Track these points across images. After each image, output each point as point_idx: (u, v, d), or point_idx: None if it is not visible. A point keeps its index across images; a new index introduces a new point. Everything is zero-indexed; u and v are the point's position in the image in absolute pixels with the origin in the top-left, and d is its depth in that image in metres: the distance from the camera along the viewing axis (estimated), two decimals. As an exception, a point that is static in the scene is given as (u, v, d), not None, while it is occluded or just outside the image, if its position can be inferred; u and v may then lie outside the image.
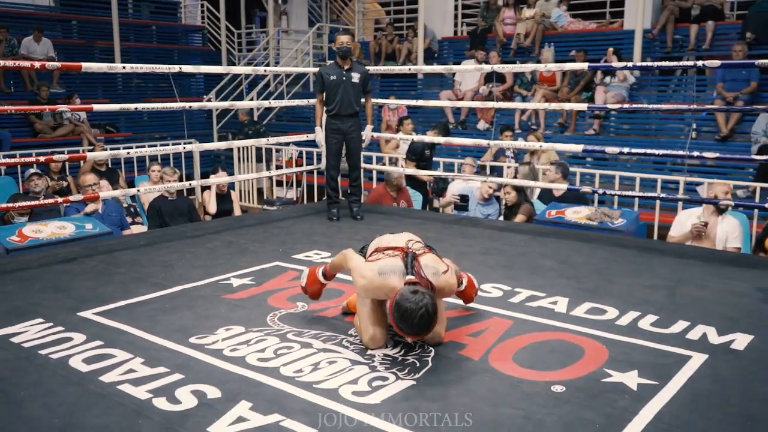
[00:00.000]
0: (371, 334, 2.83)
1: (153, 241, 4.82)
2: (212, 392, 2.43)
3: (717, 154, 4.85)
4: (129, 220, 6.16)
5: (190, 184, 5.77)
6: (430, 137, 7.26)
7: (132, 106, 5.18)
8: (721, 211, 4.99)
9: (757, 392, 2.50)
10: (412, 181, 7.11)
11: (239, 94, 12.91)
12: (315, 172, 7.27)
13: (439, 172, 7.30)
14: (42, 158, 4.80)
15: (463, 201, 6.42)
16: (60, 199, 4.78)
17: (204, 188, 6.45)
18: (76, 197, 4.92)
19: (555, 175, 6.26)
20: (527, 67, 7.94)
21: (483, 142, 6.53)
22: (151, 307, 3.35)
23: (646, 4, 9.88)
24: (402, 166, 7.52)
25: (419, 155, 7.37)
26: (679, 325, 3.14)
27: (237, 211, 6.65)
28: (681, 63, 5.65)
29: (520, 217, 5.96)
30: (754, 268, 4.22)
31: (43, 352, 2.79)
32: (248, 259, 4.30)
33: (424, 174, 6.88)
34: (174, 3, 16.31)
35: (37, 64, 4.56)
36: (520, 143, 7.35)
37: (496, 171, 7.76)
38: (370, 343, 2.83)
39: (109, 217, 5.66)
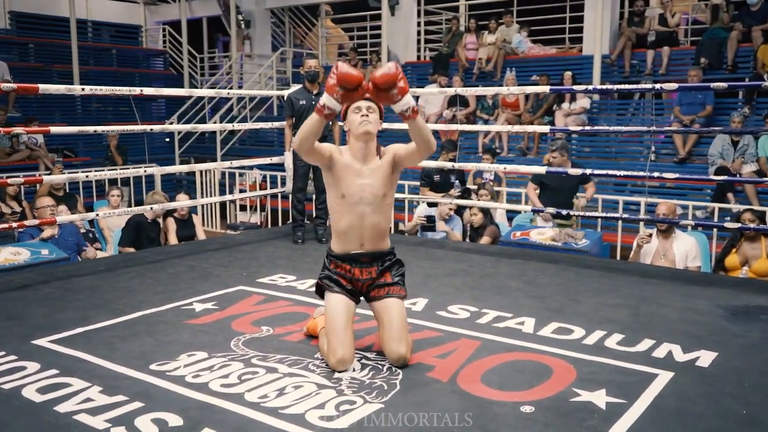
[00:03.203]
0: (339, 356, 2.79)
1: (113, 266, 4.71)
2: (174, 420, 2.35)
3: (676, 176, 4.95)
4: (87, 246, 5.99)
5: (151, 208, 5.65)
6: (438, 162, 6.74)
7: (91, 129, 5.07)
8: (664, 231, 5.11)
9: (722, 408, 2.51)
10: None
11: (202, 118, 12.79)
12: (279, 195, 7.20)
13: (450, 199, 6.56)
14: (-5, 183, 4.65)
15: (430, 222, 6.40)
16: (14, 224, 4.63)
17: (166, 215, 6.30)
18: (31, 222, 4.77)
19: (561, 158, 6.12)
20: (490, 90, 8.02)
21: (447, 164, 6.54)
22: (110, 334, 3.25)
23: (603, 30, 10.14)
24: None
25: (430, 178, 7.06)
26: (645, 344, 3.16)
27: (201, 236, 6.52)
28: (639, 86, 5.76)
29: (485, 239, 5.98)
30: (715, 287, 4.28)
31: (-6, 382, 2.68)
32: (211, 283, 4.22)
33: (437, 199, 6.45)
34: (135, 27, 16.19)
35: (-9, 87, 4.43)
36: (484, 165, 7.39)
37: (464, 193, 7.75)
38: (338, 365, 2.79)
39: (65, 242, 5.50)
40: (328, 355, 2.84)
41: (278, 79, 14.04)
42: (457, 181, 7.04)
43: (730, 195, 7.39)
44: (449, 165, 6.36)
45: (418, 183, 8.02)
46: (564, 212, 5.33)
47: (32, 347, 3.07)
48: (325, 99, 2.75)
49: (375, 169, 2.96)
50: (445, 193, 6.87)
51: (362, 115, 2.92)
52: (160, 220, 6.21)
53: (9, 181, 4.50)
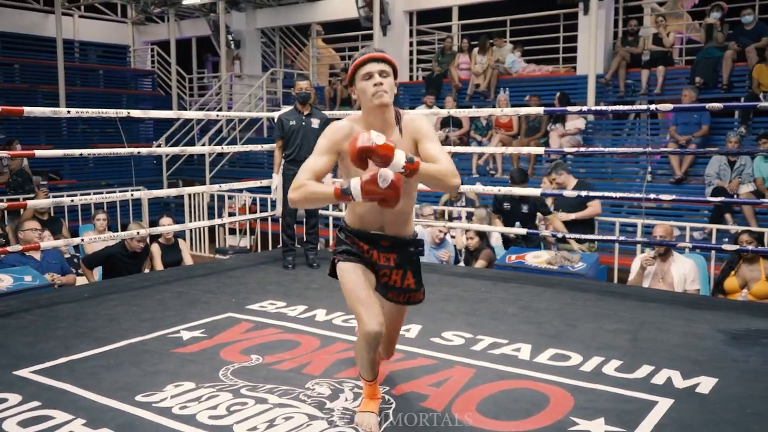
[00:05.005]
0: (369, 327, 2.42)
1: (97, 293, 4.61)
2: (159, 455, 2.28)
3: (673, 197, 4.91)
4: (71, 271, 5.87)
5: (138, 233, 5.56)
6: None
7: (77, 152, 5.00)
8: (662, 254, 5.07)
9: (726, 437, 2.46)
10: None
11: (190, 140, 12.71)
12: (269, 219, 7.11)
13: (442, 223, 6.43)
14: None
15: (420, 246, 6.28)
16: (-3, 250, 4.52)
17: (152, 240, 6.18)
18: (14, 248, 4.67)
19: (560, 176, 6.01)
20: (483, 112, 7.97)
21: (447, 189, 6.44)
22: (95, 364, 3.18)
23: (597, 49, 10.13)
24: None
25: (501, 205, 6.62)
26: (644, 370, 3.11)
27: (188, 261, 6.41)
28: (635, 107, 5.72)
29: (480, 263, 5.91)
30: (714, 310, 4.23)
31: (-27, 415, 2.60)
32: (199, 310, 4.13)
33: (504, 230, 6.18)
34: (123, 47, 16.15)
35: (-27, 109, 4.33)
36: (479, 188, 7.34)
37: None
38: (373, 339, 2.44)
39: (49, 266, 5.39)
40: (359, 329, 2.52)
41: (268, 99, 14.00)
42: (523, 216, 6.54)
43: (727, 216, 7.35)
44: (451, 190, 6.22)
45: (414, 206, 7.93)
46: (559, 235, 5.28)
47: (14, 378, 3.00)
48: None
49: (395, 143, 2.45)
50: (510, 224, 6.42)
51: (375, 84, 2.55)
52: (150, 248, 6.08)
53: (-8, 205, 4.41)
